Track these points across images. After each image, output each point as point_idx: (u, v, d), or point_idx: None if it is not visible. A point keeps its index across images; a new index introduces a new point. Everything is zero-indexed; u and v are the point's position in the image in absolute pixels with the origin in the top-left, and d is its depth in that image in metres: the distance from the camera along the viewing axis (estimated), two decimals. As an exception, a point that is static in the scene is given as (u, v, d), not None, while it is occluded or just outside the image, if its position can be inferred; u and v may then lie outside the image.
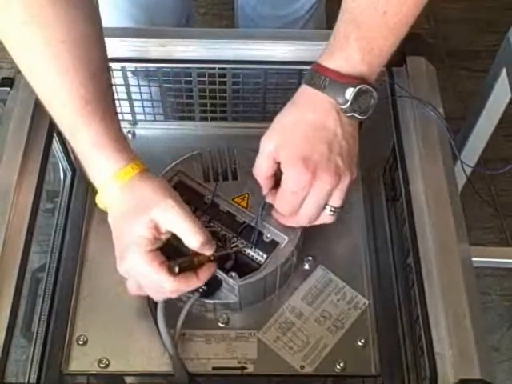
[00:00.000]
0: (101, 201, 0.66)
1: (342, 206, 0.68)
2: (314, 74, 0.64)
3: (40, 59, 0.61)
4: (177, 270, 0.64)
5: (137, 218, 0.63)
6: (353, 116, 0.64)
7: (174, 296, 0.67)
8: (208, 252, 0.66)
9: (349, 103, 0.63)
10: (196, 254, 0.66)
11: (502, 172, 0.82)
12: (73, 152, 0.89)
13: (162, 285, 0.64)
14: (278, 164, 0.66)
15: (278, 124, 0.66)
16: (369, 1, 0.62)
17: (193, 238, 0.64)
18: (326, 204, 0.67)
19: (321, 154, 0.63)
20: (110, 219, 0.66)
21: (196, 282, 0.66)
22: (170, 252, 0.65)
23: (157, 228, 0.63)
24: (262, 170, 0.67)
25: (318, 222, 0.69)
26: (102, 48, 0.65)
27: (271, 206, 0.70)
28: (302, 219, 0.68)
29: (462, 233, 0.69)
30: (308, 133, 0.64)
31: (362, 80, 0.63)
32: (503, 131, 1.54)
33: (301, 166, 0.63)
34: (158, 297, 0.68)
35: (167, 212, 0.63)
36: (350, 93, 0.63)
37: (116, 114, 0.66)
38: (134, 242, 0.63)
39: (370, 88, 0.63)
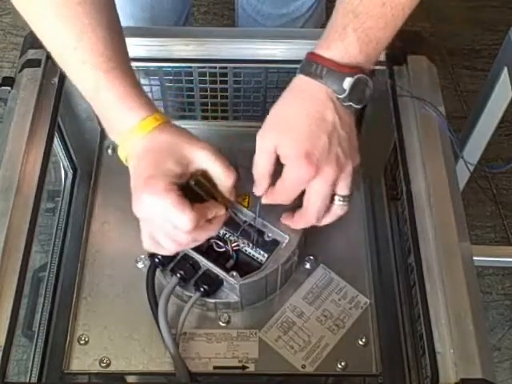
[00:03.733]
0: (123, 151, 0.65)
1: (351, 194, 0.67)
2: (310, 63, 0.64)
3: (58, 21, 0.62)
4: (192, 183, 0.64)
5: (168, 153, 0.63)
6: (350, 105, 0.64)
7: (186, 244, 0.65)
8: (232, 196, 0.67)
9: (346, 93, 0.63)
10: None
11: (504, 170, 0.82)
12: (75, 151, 0.89)
13: (178, 222, 0.62)
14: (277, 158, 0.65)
15: (275, 118, 0.65)
16: None
17: (227, 176, 0.65)
18: (334, 195, 0.66)
19: (322, 148, 0.63)
20: (131, 163, 0.64)
21: (210, 226, 0.66)
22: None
23: (187, 165, 0.64)
24: (262, 168, 0.66)
25: (332, 217, 0.68)
26: (115, 10, 0.67)
27: (273, 208, 0.70)
28: (311, 216, 0.67)
29: (464, 232, 0.69)
30: (307, 126, 0.63)
31: (359, 70, 0.63)
32: (505, 130, 1.55)
33: (304, 162, 0.63)
34: (171, 246, 0.65)
35: (203, 151, 0.64)
36: (348, 83, 0.62)
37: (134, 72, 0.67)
38: (160, 173, 0.62)
39: (367, 78, 0.63)
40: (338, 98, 0.63)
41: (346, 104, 0.64)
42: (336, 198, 0.67)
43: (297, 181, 0.65)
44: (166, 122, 0.65)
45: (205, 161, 0.65)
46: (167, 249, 0.66)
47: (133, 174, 0.64)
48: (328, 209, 0.67)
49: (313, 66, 0.63)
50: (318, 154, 0.63)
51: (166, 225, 0.63)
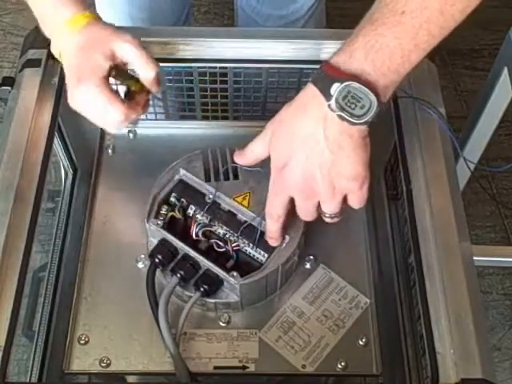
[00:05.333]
0: (56, 47, 0.71)
1: (337, 213, 0.65)
2: (318, 70, 0.60)
3: None
4: (113, 74, 0.70)
5: (95, 48, 0.68)
6: (341, 117, 0.58)
7: (119, 123, 0.70)
8: (155, 89, 0.73)
9: (333, 99, 0.57)
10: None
11: (504, 170, 0.82)
12: (75, 151, 0.89)
13: (111, 115, 0.69)
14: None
15: (282, 114, 0.64)
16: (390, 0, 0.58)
17: (150, 68, 0.70)
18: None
19: (297, 162, 0.61)
20: (64, 61, 0.71)
21: (136, 107, 0.72)
22: None
23: (114, 58, 0.69)
24: (253, 147, 0.67)
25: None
26: None
27: None
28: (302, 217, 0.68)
29: (464, 232, 0.69)
30: (293, 137, 0.61)
31: (359, 78, 0.58)
32: (505, 130, 1.55)
33: (278, 168, 0.63)
34: (106, 124, 0.73)
35: (127, 43, 0.69)
36: (335, 88, 0.57)
37: None
38: (92, 70, 0.68)
39: (364, 87, 0.57)
40: (329, 107, 0.58)
41: (336, 114, 0.58)
42: (323, 212, 0.65)
43: (272, 188, 0.65)
44: (95, 18, 0.71)
45: (129, 53, 0.70)
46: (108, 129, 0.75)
47: (67, 72, 0.70)
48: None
49: (318, 72, 0.60)
50: (290, 167, 0.62)
51: (100, 114, 0.70)
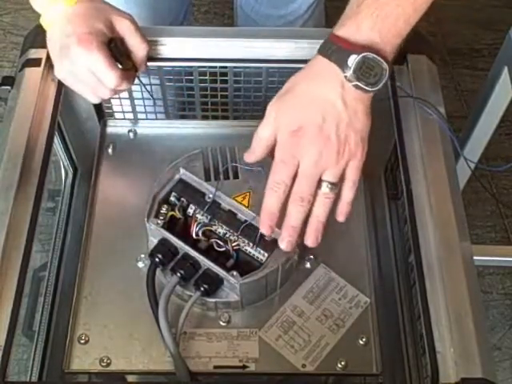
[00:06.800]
0: (49, 15, 0.72)
1: (336, 184, 0.65)
2: (326, 42, 0.64)
3: None
4: (112, 45, 0.71)
5: (97, 17, 0.70)
6: (358, 86, 0.62)
7: (110, 90, 0.73)
8: (143, 68, 0.76)
9: (351, 71, 0.62)
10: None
11: (504, 170, 0.82)
12: (75, 150, 0.89)
13: (105, 78, 0.70)
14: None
15: (284, 90, 0.66)
16: None
17: (143, 47, 0.74)
18: (321, 181, 0.64)
19: (313, 124, 0.63)
20: (56, 28, 0.71)
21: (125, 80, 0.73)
22: None
23: (112, 29, 0.72)
24: (261, 134, 0.66)
25: (320, 208, 0.65)
26: None
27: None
28: (294, 199, 0.64)
29: (464, 231, 0.69)
30: (306, 102, 0.64)
31: (368, 48, 0.62)
32: (505, 130, 1.55)
33: (289, 132, 0.63)
34: (92, 99, 0.75)
35: (127, 20, 0.73)
36: (352, 59, 0.62)
37: None
38: (94, 32, 0.69)
39: (377, 57, 0.62)
40: (346, 78, 0.62)
41: (353, 84, 0.62)
42: (321, 183, 0.64)
43: (281, 153, 0.64)
44: None
45: (126, 28, 0.73)
46: (89, 98, 0.76)
47: (61, 34, 0.71)
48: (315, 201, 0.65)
49: (327, 44, 0.64)
50: (306, 128, 0.63)
51: (90, 79, 0.71)
